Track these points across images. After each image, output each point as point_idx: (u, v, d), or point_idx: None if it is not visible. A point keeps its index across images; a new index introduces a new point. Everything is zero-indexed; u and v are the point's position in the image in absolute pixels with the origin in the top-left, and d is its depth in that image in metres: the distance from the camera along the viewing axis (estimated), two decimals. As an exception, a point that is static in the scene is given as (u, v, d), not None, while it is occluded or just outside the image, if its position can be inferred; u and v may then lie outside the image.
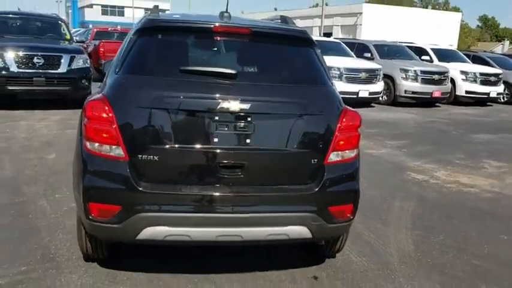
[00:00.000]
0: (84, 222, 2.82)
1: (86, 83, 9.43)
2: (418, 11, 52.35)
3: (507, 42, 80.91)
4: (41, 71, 8.85)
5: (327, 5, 53.50)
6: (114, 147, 2.69)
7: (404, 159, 6.90)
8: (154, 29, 2.94)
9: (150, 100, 2.68)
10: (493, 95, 14.20)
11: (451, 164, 6.76)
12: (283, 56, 3.06)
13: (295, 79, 2.96)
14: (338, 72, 11.51)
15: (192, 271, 3.19)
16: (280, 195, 2.79)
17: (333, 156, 2.88)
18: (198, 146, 2.72)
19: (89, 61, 9.73)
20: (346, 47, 13.79)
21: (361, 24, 46.70)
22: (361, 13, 46.62)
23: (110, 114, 2.67)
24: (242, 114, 2.69)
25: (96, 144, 2.71)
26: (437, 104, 14.07)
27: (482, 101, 14.61)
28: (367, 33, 40.38)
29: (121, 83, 2.76)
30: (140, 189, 2.65)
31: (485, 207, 4.98)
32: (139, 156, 2.68)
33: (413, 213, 4.62)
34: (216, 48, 3.07)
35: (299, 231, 2.82)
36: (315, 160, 2.85)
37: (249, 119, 2.71)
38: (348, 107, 2.98)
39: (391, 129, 9.50)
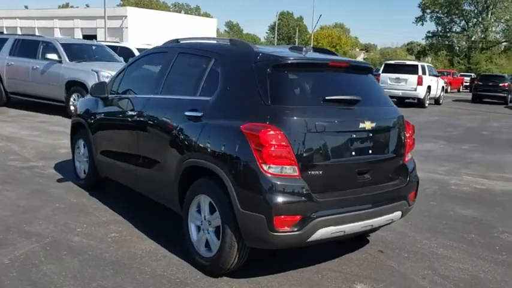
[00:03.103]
0: (259, 235, 3.19)
1: None
2: (180, 16, 55.12)
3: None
4: None
5: (87, 6, 51.59)
6: (290, 167, 3.19)
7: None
8: (292, 64, 3.47)
9: (313, 125, 3.27)
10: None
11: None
12: (368, 83, 3.93)
13: (381, 102, 3.88)
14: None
15: (300, 266, 3.82)
16: (390, 190, 3.71)
17: (407, 157, 3.94)
18: (345, 159, 3.44)
19: None
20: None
21: (127, 27, 46.64)
22: (126, 16, 46.80)
23: (285, 141, 3.17)
24: (369, 131, 3.52)
25: (275, 166, 3.16)
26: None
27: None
28: (134, 37, 40.87)
29: (286, 113, 3.24)
30: (314, 199, 3.23)
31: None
32: (309, 172, 3.25)
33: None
34: (332, 79, 3.73)
35: (398, 215, 3.79)
36: (401, 161, 3.86)
37: (370, 134, 3.56)
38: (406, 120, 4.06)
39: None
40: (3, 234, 4.14)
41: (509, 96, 25.61)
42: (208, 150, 3.50)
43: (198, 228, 3.70)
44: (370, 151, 3.58)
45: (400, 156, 3.85)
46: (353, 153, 3.47)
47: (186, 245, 3.79)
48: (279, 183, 3.16)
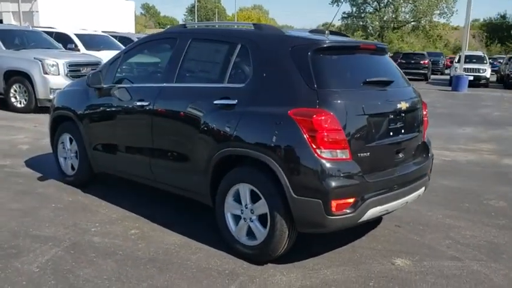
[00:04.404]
0: (315, 219, 3.22)
1: None
2: (93, -2, 52.28)
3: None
4: None
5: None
6: (342, 151, 3.23)
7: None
8: (331, 48, 3.48)
9: (359, 108, 3.33)
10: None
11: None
12: (389, 63, 4.02)
13: (404, 82, 3.99)
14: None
15: (335, 246, 3.91)
16: (418, 167, 3.86)
17: (425, 134, 4.13)
18: (386, 139, 3.54)
19: None
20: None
21: (37, 11, 43.67)
22: (36, -1, 43.72)
23: (337, 125, 3.20)
24: (403, 111, 3.65)
25: (328, 151, 3.19)
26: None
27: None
28: (46, 21, 38.46)
29: (335, 97, 3.26)
30: (366, 181, 3.30)
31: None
32: (358, 154, 3.31)
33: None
34: (363, 61, 3.78)
35: (422, 190, 3.97)
36: (422, 139, 4.04)
37: (403, 114, 3.69)
38: (421, 99, 4.24)
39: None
40: (14, 241, 3.81)
41: (429, 73, 27.34)
42: (251, 138, 3.44)
43: (236, 217, 3.64)
44: (403, 131, 3.71)
45: (421, 134, 4.03)
46: (391, 133, 3.58)
47: (222, 235, 3.73)
48: (334, 167, 3.19)
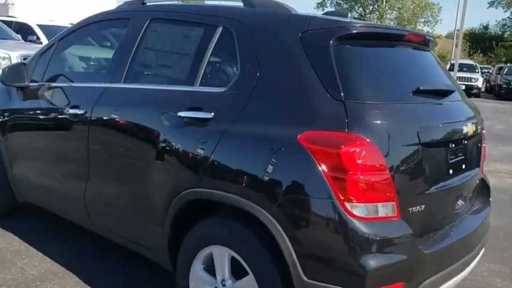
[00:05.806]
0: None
1: None
2: (75, -9, 50.57)
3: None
4: None
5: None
6: (386, 204, 1.95)
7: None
8: (363, 35, 2.20)
9: (413, 134, 2.06)
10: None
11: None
12: (438, 64, 2.74)
13: (461, 93, 2.72)
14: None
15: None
16: (482, 220, 2.59)
17: (483, 168, 2.88)
18: (446, 182, 2.27)
19: None
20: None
21: (13, 4, 41.93)
22: (11, -9, 41.87)
23: (381, 161, 1.92)
24: (467, 137, 2.41)
25: (365, 205, 1.90)
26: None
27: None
28: (22, 14, 36.84)
29: (375, 114, 1.98)
30: (421, 252, 2.02)
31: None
32: (409, 209, 2.04)
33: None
34: (408, 59, 2.50)
35: (482, 252, 2.71)
36: (480, 176, 2.79)
37: (465, 141, 2.44)
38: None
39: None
40: None
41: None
42: (233, 174, 2.14)
43: (209, 297, 2.33)
44: (464, 166, 2.45)
45: (480, 169, 2.78)
46: (451, 171, 2.32)
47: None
48: (373, 232, 1.90)
